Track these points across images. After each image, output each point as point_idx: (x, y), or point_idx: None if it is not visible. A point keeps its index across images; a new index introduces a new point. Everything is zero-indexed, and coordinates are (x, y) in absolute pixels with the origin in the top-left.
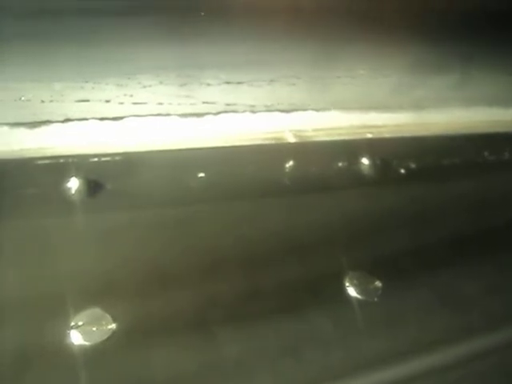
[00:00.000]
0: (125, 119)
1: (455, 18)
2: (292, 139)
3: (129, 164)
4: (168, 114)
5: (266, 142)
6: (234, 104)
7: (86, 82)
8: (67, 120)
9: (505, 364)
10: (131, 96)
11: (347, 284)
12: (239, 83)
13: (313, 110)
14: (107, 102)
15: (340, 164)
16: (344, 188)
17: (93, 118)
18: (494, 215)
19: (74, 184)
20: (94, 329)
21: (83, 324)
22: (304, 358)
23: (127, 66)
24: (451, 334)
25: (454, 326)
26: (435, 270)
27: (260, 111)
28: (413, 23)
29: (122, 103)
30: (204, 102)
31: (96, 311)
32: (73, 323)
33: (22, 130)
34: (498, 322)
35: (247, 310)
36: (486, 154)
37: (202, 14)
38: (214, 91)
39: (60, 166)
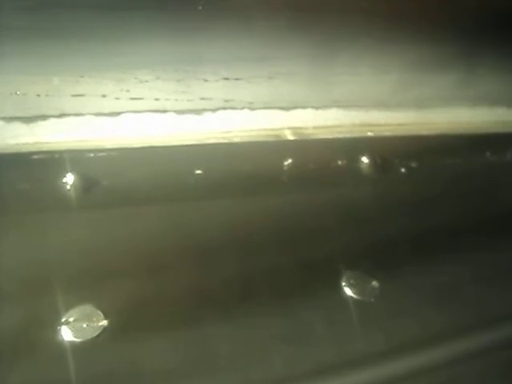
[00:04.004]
0: (121, 115)
1: (460, 15)
2: (291, 137)
3: (125, 160)
4: (165, 110)
5: (265, 139)
6: (233, 100)
7: (82, 76)
8: (63, 115)
9: (505, 362)
10: (128, 91)
11: (344, 283)
12: (238, 79)
13: (312, 107)
14: (103, 96)
15: (340, 162)
16: (343, 187)
17: (89, 113)
18: (496, 215)
19: (69, 179)
20: (85, 325)
21: (74, 320)
22: (295, 356)
23: (124, 60)
24: (448, 333)
25: (452, 326)
26: (435, 269)
27: (259, 108)
28: (416, 20)
29: (118, 98)
30: (202, 98)
31: (87, 307)
32: (63, 319)
33: (18, 125)
34: (497, 319)
35: (240, 307)
36: (488, 154)
37: (200, 8)
38: (211, 87)
39: (55, 161)
